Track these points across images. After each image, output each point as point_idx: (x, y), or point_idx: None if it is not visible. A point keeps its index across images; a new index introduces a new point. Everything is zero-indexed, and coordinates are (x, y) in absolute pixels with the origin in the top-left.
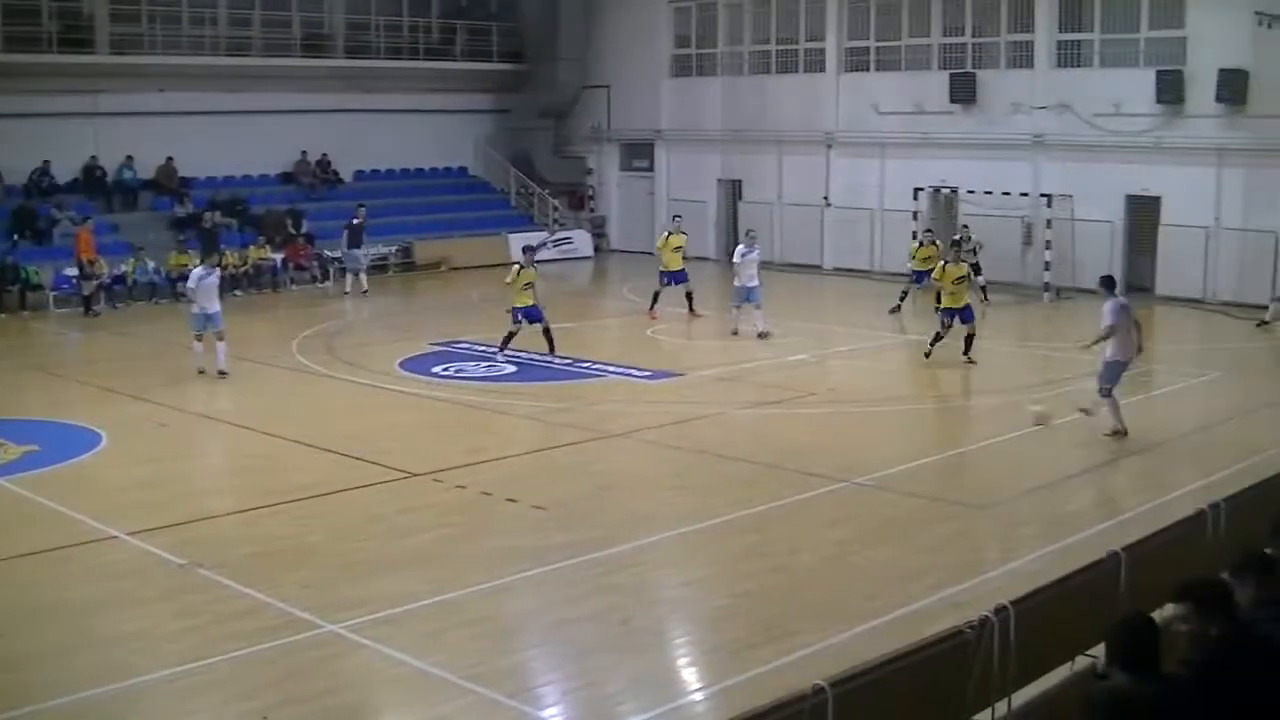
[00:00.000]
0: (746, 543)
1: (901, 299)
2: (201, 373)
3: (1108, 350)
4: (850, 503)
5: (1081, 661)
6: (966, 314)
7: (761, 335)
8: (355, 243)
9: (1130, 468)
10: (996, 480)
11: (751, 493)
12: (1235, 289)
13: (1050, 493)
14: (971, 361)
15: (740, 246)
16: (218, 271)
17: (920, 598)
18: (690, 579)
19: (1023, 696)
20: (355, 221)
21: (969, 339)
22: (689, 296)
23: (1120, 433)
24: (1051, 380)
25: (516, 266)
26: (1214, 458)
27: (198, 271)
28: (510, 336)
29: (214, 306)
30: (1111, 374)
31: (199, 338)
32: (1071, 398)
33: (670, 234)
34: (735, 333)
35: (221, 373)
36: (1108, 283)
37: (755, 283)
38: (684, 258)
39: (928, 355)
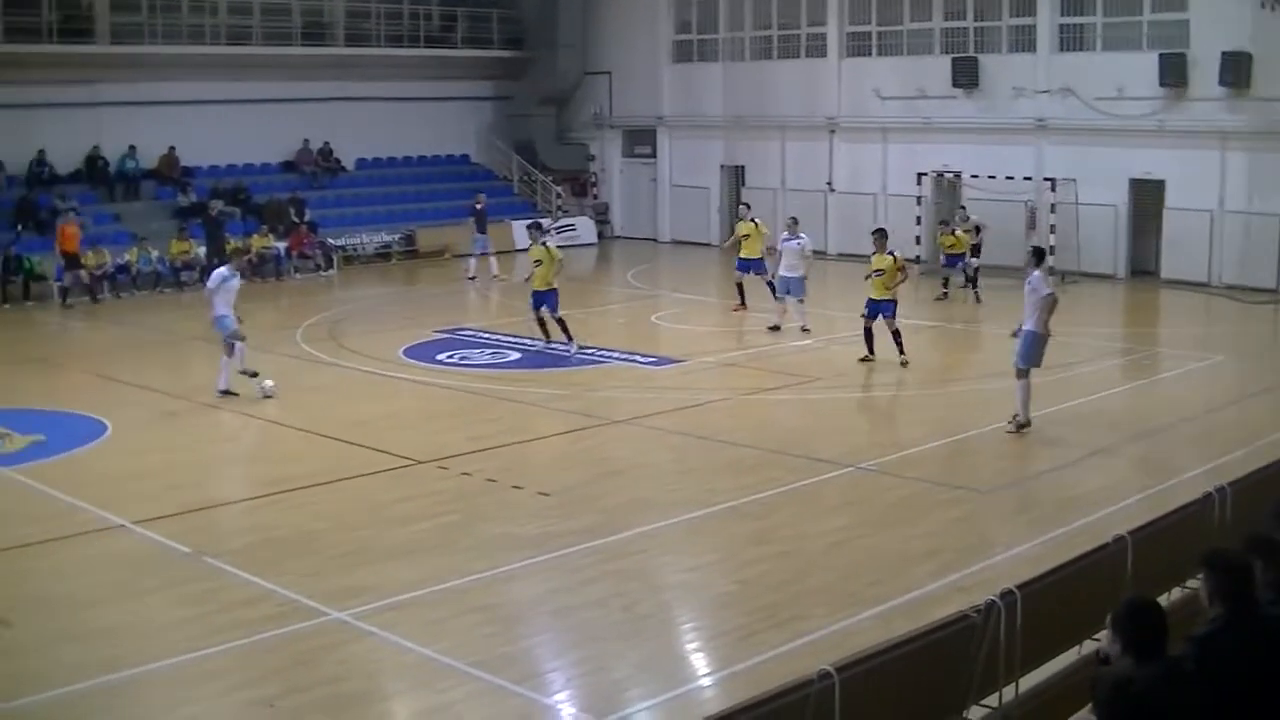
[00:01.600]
0: (751, 528)
1: (945, 286)
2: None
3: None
4: (855, 488)
5: (1088, 646)
6: (886, 308)
7: (803, 330)
8: (482, 228)
9: (1135, 452)
10: (1002, 464)
11: (756, 478)
12: (1239, 272)
13: (1056, 477)
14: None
15: (783, 234)
16: (237, 278)
17: (925, 582)
18: (695, 565)
19: (1029, 681)
20: (478, 207)
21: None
22: (770, 285)
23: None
24: (1053, 365)
25: (538, 247)
26: (1219, 442)
27: (221, 272)
28: (554, 324)
29: (224, 311)
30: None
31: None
32: (1074, 381)
33: (740, 221)
34: (776, 328)
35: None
36: (1037, 254)
37: (796, 274)
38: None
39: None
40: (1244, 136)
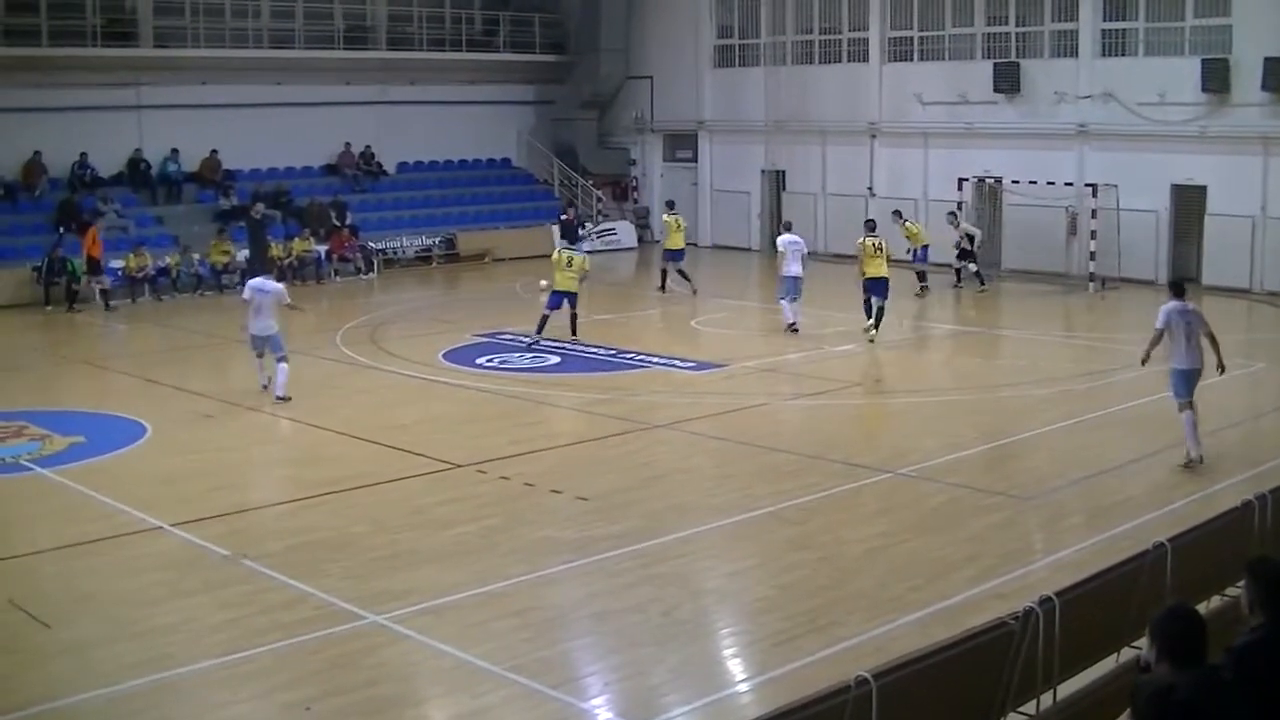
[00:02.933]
0: (790, 534)
1: (922, 280)
2: (265, 389)
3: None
4: (894, 493)
5: (1126, 654)
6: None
7: (793, 328)
8: (570, 238)
9: (1175, 459)
10: (1041, 471)
11: (795, 484)
12: None
13: (1095, 483)
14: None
15: (786, 236)
16: (281, 287)
17: (964, 589)
18: (733, 570)
19: (1067, 689)
20: (563, 218)
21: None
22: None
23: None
24: (1094, 371)
25: (568, 251)
26: (1261, 449)
27: (255, 282)
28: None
29: (270, 326)
30: (1173, 383)
31: (260, 354)
32: (1116, 388)
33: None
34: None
35: (280, 398)
36: (1174, 287)
37: (789, 272)
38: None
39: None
40: None
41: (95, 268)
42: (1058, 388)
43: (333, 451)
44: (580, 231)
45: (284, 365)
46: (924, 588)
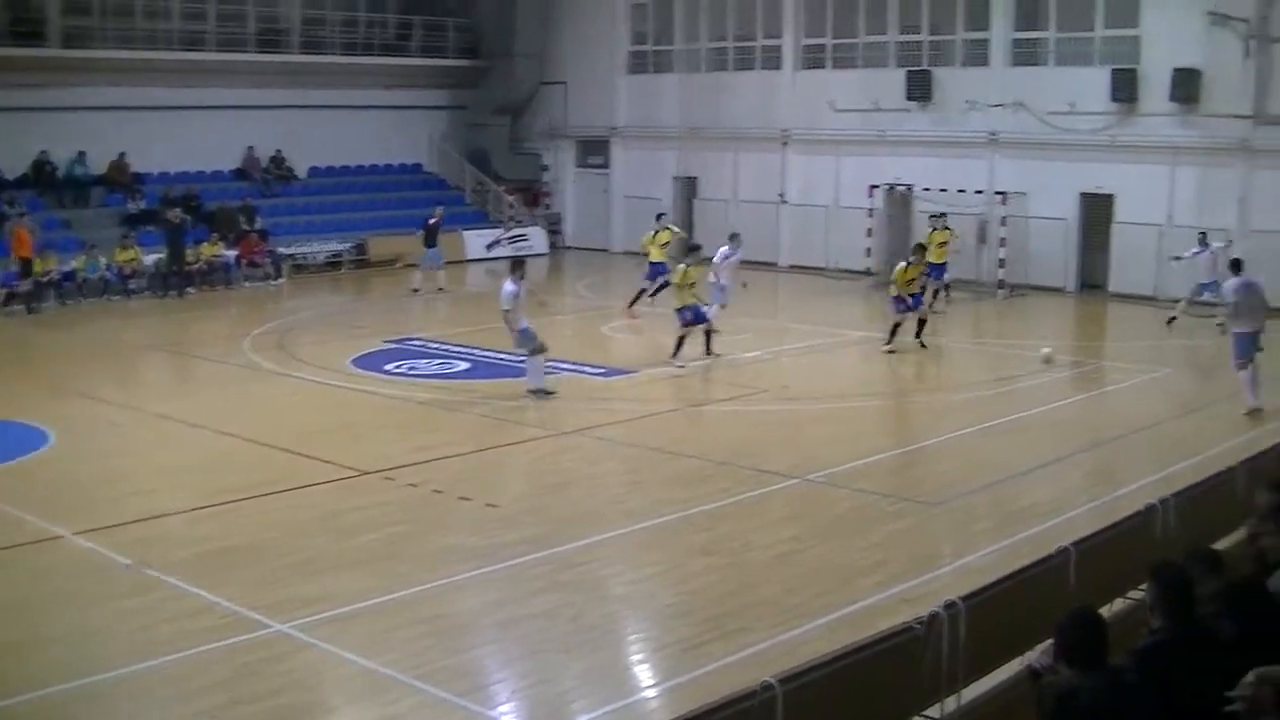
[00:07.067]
0: (698, 540)
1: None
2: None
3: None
4: (803, 500)
5: (1033, 657)
6: (917, 301)
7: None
8: (431, 242)
9: (1082, 463)
10: (949, 476)
11: (703, 490)
12: (1187, 287)
13: (1002, 488)
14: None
15: (724, 249)
16: None
17: (871, 594)
18: (642, 576)
19: (973, 692)
20: (431, 221)
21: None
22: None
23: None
24: (1003, 376)
25: (682, 266)
26: (1165, 453)
27: None
28: (681, 341)
29: None
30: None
31: None
32: (1024, 393)
33: (657, 232)
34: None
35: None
36: (1233, 265)
37: (714, 280)
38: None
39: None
40: (1193, 152)
41: (28, 269)
42: (967, 394)
43: (240, 459)
44: (438, 235)
45: None
46: (831, 593)
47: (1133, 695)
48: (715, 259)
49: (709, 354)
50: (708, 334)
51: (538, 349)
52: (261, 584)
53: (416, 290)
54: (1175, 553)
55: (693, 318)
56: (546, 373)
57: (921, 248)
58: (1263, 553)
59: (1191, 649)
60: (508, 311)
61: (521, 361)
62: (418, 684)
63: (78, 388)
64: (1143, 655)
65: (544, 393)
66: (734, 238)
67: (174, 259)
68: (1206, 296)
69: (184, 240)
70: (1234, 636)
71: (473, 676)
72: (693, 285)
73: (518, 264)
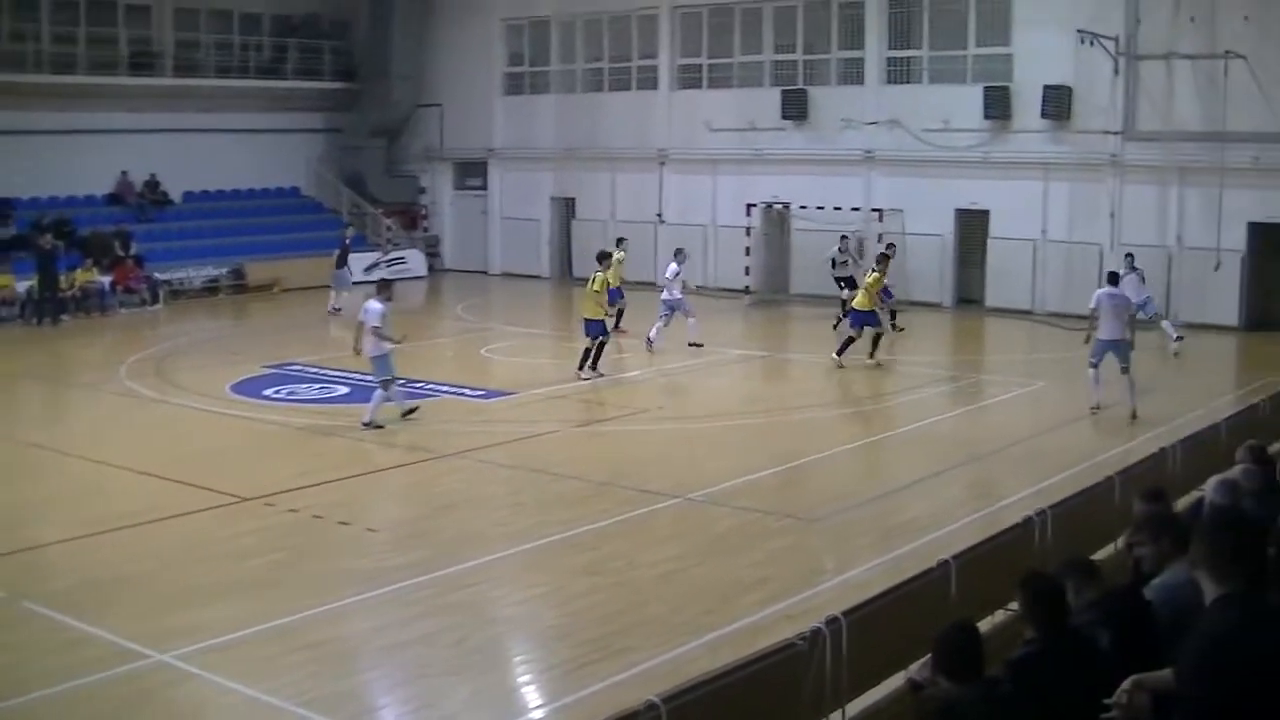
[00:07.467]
0: (582, 560)
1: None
2: None
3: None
4: (685, 518)
5: (915, 671)
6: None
7: (650, 341)
8: (342, 263)
9: (961, 477)
10: (829, 492)
11: (586, 510)
12: (1061, 300)
13: (882, 504)
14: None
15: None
16: None
17: (754, 611)
18: (526, 597)
19: (857, 706)
20: (346, 242)
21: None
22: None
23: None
24: (882, 392)
25: (599, 274)
26: (1041, 466)
27: None
28: (588, 352)
29: None
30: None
31: None
32: (904, 408)
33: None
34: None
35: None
36: (1110, 276)
37: (664, 295)
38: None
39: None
40: (1065, 167)
41: None
42: (846, 409)
43: (117, 487)
44: (348, 258)
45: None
46: (715, 611)
47: (1008, 706)
48: (667, 275)
49: (594, 370)
50: (598, 350)
51: (388, 381)
52: (141, 614)
53: (338, 310)
54: (1054, 563)
55: (599, 330)
56: (410, 395)
57: (885, 257)
58: (1138, 562)
59: (1067, 658)
60: (377, 328)
61: (400, 385)
62: (302, 712)
63: None
64: (1016, 666)
65: (376, 426)
66: (679, 252)
67: (46, 286)
68: (1141, 316)
69: (57, 267)
70: (1110, 645)
71: (358, 702)
72: (598, 292)
73: (385, 285)
